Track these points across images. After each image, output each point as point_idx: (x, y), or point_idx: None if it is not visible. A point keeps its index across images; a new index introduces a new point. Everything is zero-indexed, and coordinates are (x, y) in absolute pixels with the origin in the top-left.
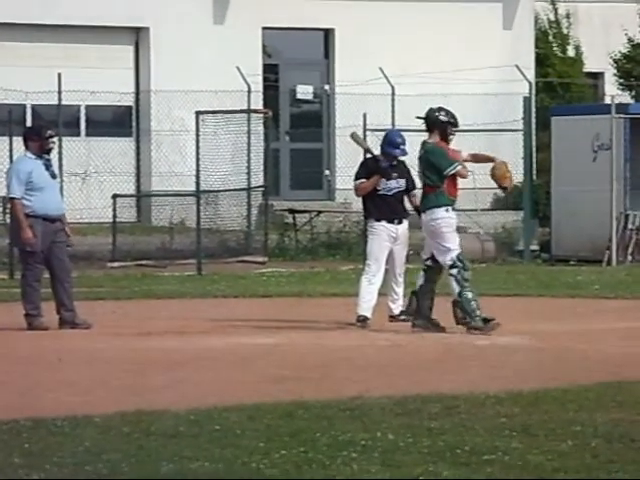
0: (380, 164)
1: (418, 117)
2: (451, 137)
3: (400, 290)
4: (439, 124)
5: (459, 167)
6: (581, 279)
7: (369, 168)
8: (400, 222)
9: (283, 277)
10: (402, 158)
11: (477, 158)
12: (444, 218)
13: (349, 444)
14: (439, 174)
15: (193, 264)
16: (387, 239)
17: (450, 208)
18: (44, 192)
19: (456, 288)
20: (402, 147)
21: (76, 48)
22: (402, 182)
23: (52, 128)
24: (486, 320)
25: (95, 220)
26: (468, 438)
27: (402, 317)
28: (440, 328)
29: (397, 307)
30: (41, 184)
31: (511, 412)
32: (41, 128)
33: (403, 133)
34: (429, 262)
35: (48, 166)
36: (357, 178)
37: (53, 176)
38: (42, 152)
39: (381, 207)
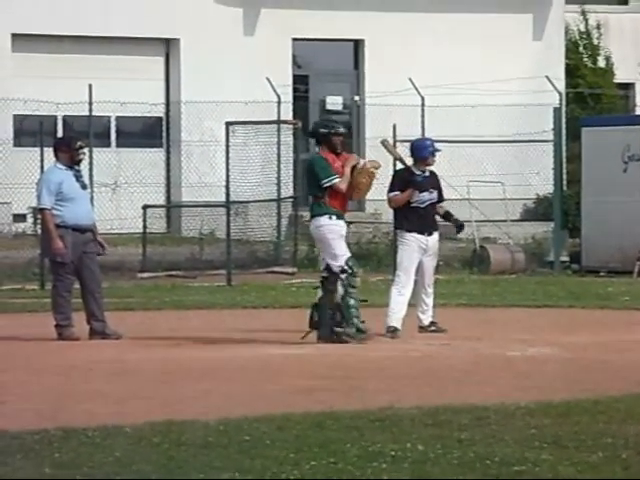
0: (415, 177)
1: (307, 133)
2: (341, 144)
3: (430, 301)
4: (322, 137)
5: (336, 180)
6: (611, 290)
7: (403, 180)
8: (431, 234)
9: (312, 288)
10: (433, 169)
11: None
12: (327, 225)
13: (379, 455)
14: (318, 185)
15: (223, 275)
16: (417, 250)
17: (335, 216)
18: (74, 203)
19: (341, 292)
20: (431, 146)
21: (107, 59)
22: (435, 194)
23: (82, 139)
24: (359, 330)
25: (125, 231)
26: (498, 449)
27: (432, 328)
28: (369, 335)
29: (427, 318)
30: (71, 194)
31: (541, 423)
32: (71, 139)
33: (434, 142)
34: (325, 273)
35: (78, 177)
36: (391, 190)
37: (84, 187)
38: (72, 163)
39: (413, 219)
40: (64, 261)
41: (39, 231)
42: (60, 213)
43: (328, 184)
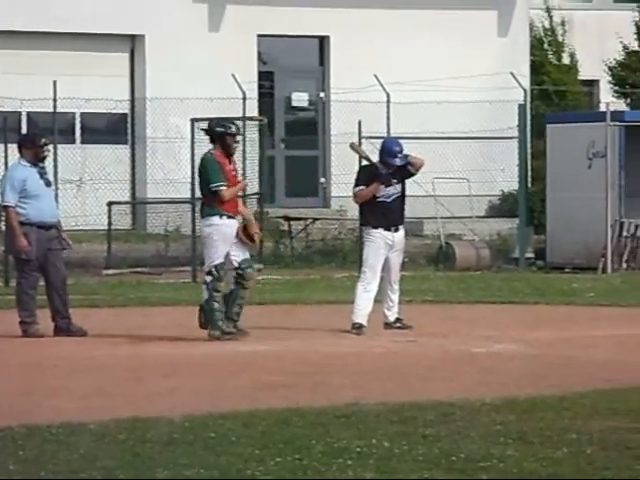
0: (379, 171)
1: (202, 129)
2: (235, 146)
3: (395, 297)
4: (217, 136)
5: (222, 189)
6: (576, 286)
7: (368, 174)
8: (397, 230)
9: (278, 284)
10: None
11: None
12: (218, 225)
13: (344, 451)
14: (208, 188)
15: (188, 271)
16: (383, 246)
17: (226, 217)
18: (39, 200)
19: (205, 295)
20: (400, 155)
21: (71, 55)
22: (398, 187)
23: (46, 136)
24: (225, 332)
25: (90, 227)
26: (463, 445)
27: (397, 324)
28: (245, 333)
29: (392, 314)
30: (35, 192)
31: (506, 419)
32: (35, 136)
33: (400, 140)
34: (239, 270)
35: (42, 174)
36: (356, 185)
37: (48, 184)
38: (36, 160)
39: (379, 214)
40: (28, 258)
41: (3, 228)
42: (24, 211)
43: (215, 189)
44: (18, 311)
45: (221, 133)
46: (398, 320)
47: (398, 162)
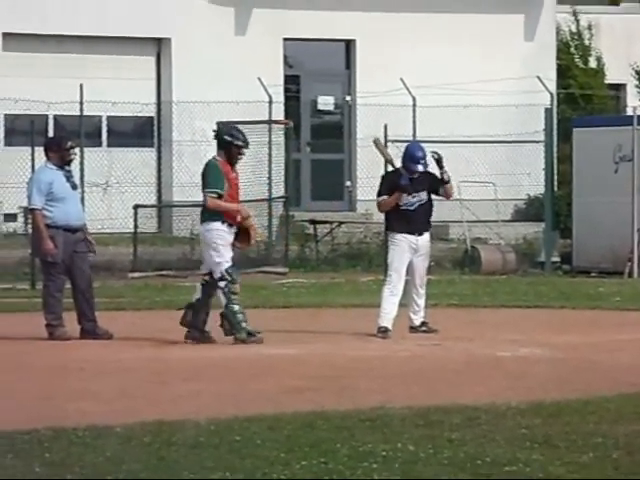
0: (400, 181)
1: (214, 131)
2: (239, 158)
3: (421, 301)
4: (223, 143)
5: (212, 195)
6: (602, 291)
7: (391, 182)
8: (421, 234)
9: (304, 288)
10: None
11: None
12: (218, 230)
13: (370, 455)
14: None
15: None
16: (408, 250)
17: (227, 223)
18: (65, 203)
19: (224, 300)
20: (422, 161)
21: (98, 59)
22: (423, 195)
23: (73, 139)
24: (250, 333)
25: (116, 230)
26: (489, 449)
27: (423, 328)
28: (212, 340)
29: (418, 318)
30: (62, 194)
31: (532, 423)
32: (62, 139)
33: (424, 144)
34: (207, 277)
35: (69, 177)
36: (379, 194)
37: (74, 187)
38: (63, 163)
39: (402, 221)
40: (55, 261)
41: (30, 231)
42: (50, 213)
43: (205, 193)
44: (44, 314)
45: (228, 142)
46: (424, 324)
47: (420, 168)
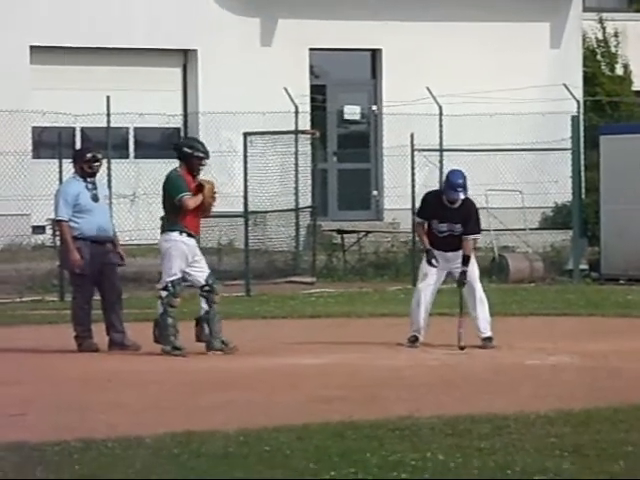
0: (440, 207)
1: (173, 144)
2: (200, 168)
3: (476, 311)
4: (183, 156)
5: (186, 196)
6: (631, 298)
7: (429, 206)
8: (453, 251)
9: (331, 297)
10: (466, 200)
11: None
12: (176, 241)
13: (399, 464)
14: (172, 202)
15: (242, 285)
16: (437, 260)
17: (186, 234)
18: (92, 214)
19: (160, 309)
20: (460, 189)
21: (124, 71)
22: (456, 227)
23: (97, 150)
24: (176, 348)
25: (144, 242)
26: (519, 458)
27: (486, 343)
28: (234, 350)
29: (481, 332)
30: (88, 206)
31: (562, 432)
32: (84, 150)
33: (452, 153)
34: (207, 287)
35: (90, 189)
36: (418, 214)
37: (94, 199)
38: (83, 174)
39: (432, 238)
40: (82, 273)
41: (58, 243)
42: (77, 225)
43: (179, 201)
44: (73, 325)
45: (188, 154)
46: (487, 338)
47: (461, 196)
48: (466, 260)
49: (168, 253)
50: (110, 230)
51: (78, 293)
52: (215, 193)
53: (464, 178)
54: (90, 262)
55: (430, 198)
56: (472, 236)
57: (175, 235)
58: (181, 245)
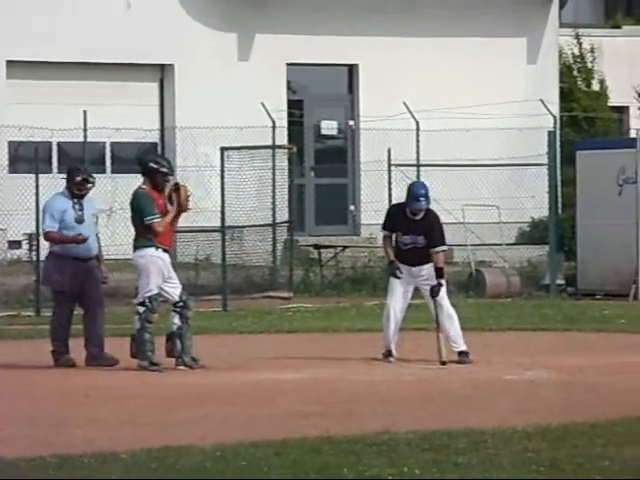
0: (403, 220)
1: (137, 158)
2: (165, 184)
3: (447, 326)
4: (148, 171)
5: (155, 221)
6: (608, 313)
7: (394, 218)
8: (418, 265)
9: (308, 312)
10: (439, 198)
11: (171, 199)
12: (152, 256)
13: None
14: (142, 221)
15: (219, 300)
16: (404, 275)
17: (161, 249)
18: (75, 232)
19: (137, 325)
20: (422, 199)
21: (101, 85)
22: (419, 239)
23: (87, 173)
24: (153, 363)
25: (121, 256)
26: (495, 473)
27: (461, 358)
28: (200, 364)
29: (456, 345)
30: (73, 224)
31: (539, 447)
32: (76, 171)
33: (428, 168)
34: (180, 303)
35: (77, 209)
36: (383, 227)
37: (78, 220)
38: (72, 195)
39: (398, 252)
40: (63, 290)
41: (34, 258)
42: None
43: (149, 222)
44: (51, 340)
45: (153, 170)
46: (462, 353)
47: (423, 205)
48: (439, 273)
49: (145, 269)
50: (94, 249)
51: (58, 309)
52: (189, 196)
53: (426, 189)
54: (71, 280)
55: (394, 210)
56: (438, 248)
57: (151, 251)
58: (158, 260)
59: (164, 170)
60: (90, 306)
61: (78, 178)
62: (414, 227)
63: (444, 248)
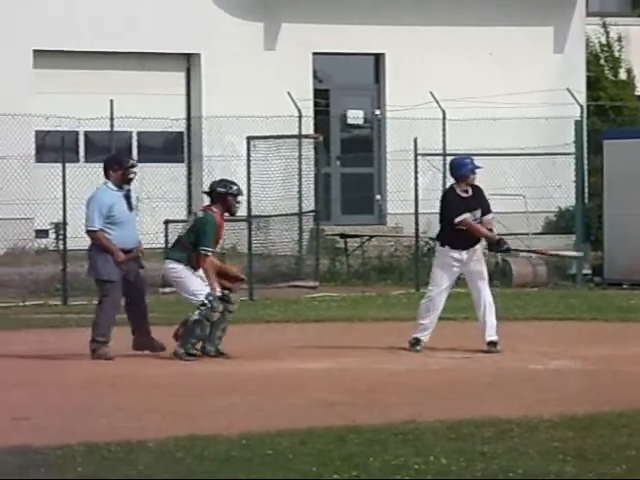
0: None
1: (204, 192)
2: (237, 206)
3: (482, 315)
4: (218, 196)
5: (209, 254)
6: (634, 303)
7: (456, 201)
8: (467, 249)
9: (334, 302)
10: (478, 183)
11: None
12: (184, 269)
13: (402, 468)
14: (197, 244)
15: (245, 289)
16: (449, 264)
17: (190, 265)
18: (122, 227)
19: (195, 316)
20: (471, 164)
21: (128, 75)
22: (477, 213)
23: (133, 157)
24: (190, 354)
25: (147, 246)
26: (521, 462)
27: (490, 348)
28: (225, 355)
29: (488, 335)
30: (121, 219)
31: (565, 436)
32: (122, 157)
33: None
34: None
35: (128, 196)
36: (455, 213)
37: (131, 207)
38: (123, 182)
39: (453, 236)
40: (110, 279)
41: (61, 247)
42: (108, 236)
43: (203, 253)
44: (92, 329)
45: (223, 194)
46: (491, 343)
47: (472, 167)
48: (491, 232)
49: (180, 278)
50: (137, 241)
51: (106, 298)
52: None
53: (468, 157)
54: (117, 271)
55: (450, 196)
56: (490, 215)
57: (180, 266)
58: (183, 270)
59: (233, 191)
60: (134, 295)
61: (130, 161)
62: (472, 202)
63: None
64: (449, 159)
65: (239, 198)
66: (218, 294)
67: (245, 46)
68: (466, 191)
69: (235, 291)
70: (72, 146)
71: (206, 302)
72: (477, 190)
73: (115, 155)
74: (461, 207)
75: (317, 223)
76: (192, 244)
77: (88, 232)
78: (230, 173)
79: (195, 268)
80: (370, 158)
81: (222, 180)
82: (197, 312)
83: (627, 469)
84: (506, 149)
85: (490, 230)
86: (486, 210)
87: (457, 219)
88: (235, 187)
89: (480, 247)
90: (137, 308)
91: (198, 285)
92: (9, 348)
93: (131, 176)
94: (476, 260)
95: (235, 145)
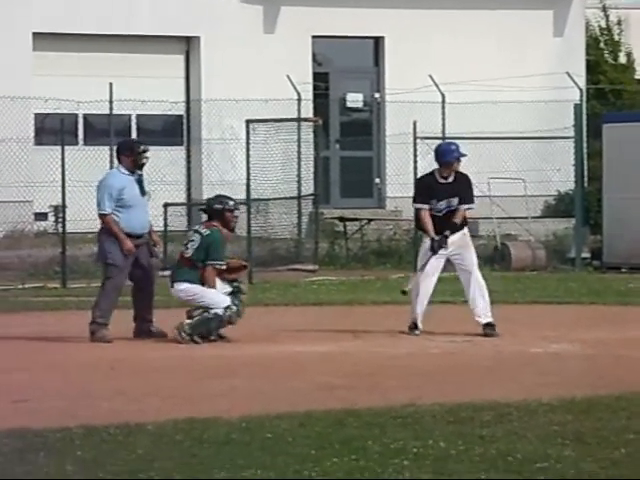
0: (436, 186)
1: (200, 209)
2: (235, 221)
3: (472, 297)
4: (216, 213)
5: (216, 266)
6: (633, 287)
7: (426, 189)
8: (452, 233)
9: (334, 285)
10: (464, 171)
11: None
12: (190, 287)
13: (401, 452)
14: (205, 259)
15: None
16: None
17: (197, 282)
18: (132, 211)
19: (218, 311)
20: (456, 151)
21: (127, 57)
22: (454, 201)
23: (145, 143)
24: (194, 341)
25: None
26: (520, 446)
27: (487, 330)
28: (225, 338)
29: (482, 317)
30: (131, 202)
31: (563, 420)
32: (134, 142)
33: (455, 140)
34: (235, 287)
35: (140, 181)
36: (415, 199)
37: (143, 192)
38: (135, 167)
39: (437, 222)
40: (115, 263)
41: (60, 229)
42: (117, 219)
43: (217, 266)
44: (93, 311)
45: (220, 210)
46: (487, 325)
47: (457, 155)
48: (452, 226)
49: (195, 296)
50: (147, 226)
51: (109, 280)
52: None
53: (455, 143)
54: (123, 256)
55: (425, 180)
56: (467, 205)
57: (187, 285)
58: (192, 289)
59: (230, 207)
60: (140, 281)
61: (142, 147)
62: (449, 189)
63: (473, 206)
64: None
65: (236, 212)
66: (228, 290)
67: (245, 29)
68: (446, 177)
69: (242, 280)
70: (71, 129)
71: (231, 306)
72: (462, 178)
73: (127, 140)
74: (431, 193)
75: (316, 206)
76: (199, 260)
77: (100, 216)
78: (229, 156)
79: (201, 283)
80: (369, 141)
81: (218, 196)
82: (220, 310)
83: (626, 452)
84: (505, 132)
85: (455, 223)
86: (466, 200)
87: (416, 205)
88: (232, 202)
89: (467, 231)
90: (144, 295)
91: (209, 298)
92: (8, 331)
93: (143, 161)
94: (462, 245)
95: (234, 128)
